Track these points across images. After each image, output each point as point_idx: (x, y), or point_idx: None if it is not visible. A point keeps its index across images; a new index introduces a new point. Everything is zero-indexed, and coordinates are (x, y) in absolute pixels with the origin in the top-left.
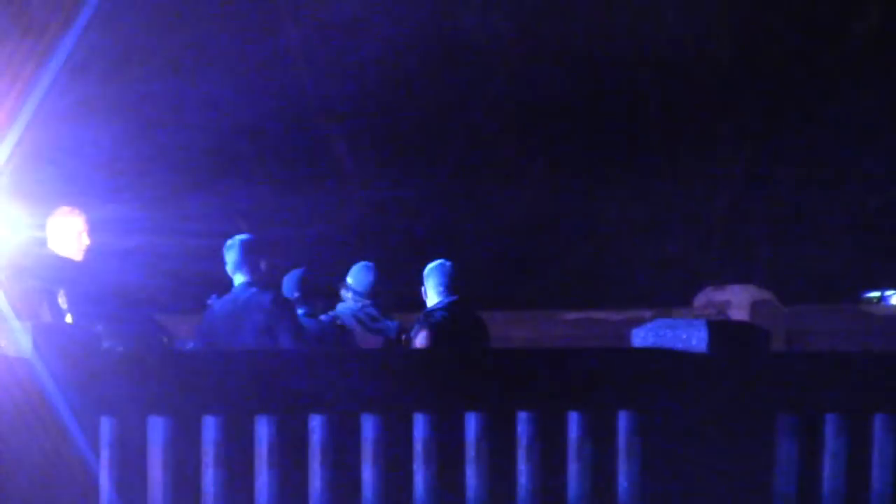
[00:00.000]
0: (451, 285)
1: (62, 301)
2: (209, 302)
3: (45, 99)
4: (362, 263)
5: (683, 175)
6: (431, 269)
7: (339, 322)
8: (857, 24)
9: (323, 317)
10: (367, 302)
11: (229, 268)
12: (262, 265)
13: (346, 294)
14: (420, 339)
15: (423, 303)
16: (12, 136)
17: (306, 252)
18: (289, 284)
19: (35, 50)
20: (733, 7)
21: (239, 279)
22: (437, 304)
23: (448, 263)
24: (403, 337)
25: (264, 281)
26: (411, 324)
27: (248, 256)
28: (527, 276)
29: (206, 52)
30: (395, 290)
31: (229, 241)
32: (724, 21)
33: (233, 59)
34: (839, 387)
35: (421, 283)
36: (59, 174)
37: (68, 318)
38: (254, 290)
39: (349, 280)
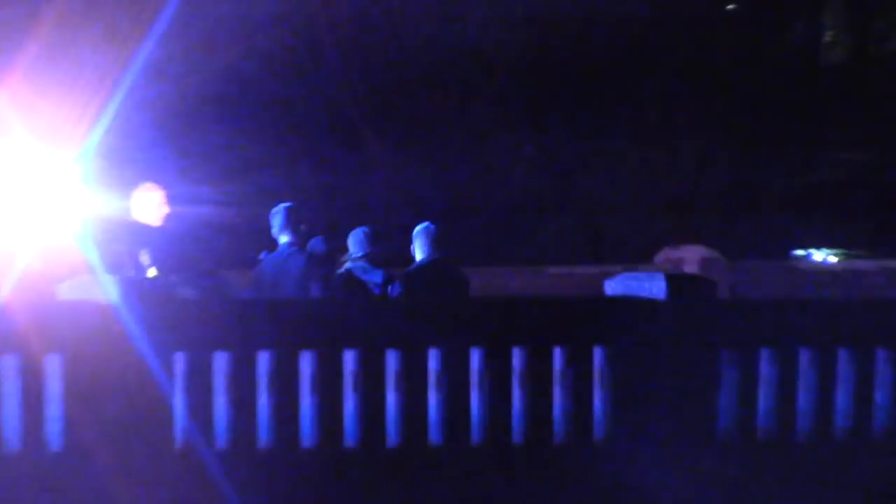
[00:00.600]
0: (434, 244)
1: (145, 259)
2: (261, 256)
3: (128, 96)
4: (357, 229)
5: (647, 154)
6: (418, 231)
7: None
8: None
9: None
10: (362, 259)
11: (275, 230)
12: (302, 227)
13: (347, 256)
14: (395, 290)
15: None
16: (101, 127)
17: (331, 215)
18: (355, 242)
19: (120, 54)
20: None
21: (283, 239)
22: (420, 260)
23: (432, 226)
24: (389, 287)
25: (303, 241)
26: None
27: (291, 221)
28: (517, 236)
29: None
30: (394, 249)
31: (275, 208)
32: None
33: (275, 49)
34: (771, 326)
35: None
36: (142, 157)
37: (151, 273)
38: (294, 249)
39: (348, 243)
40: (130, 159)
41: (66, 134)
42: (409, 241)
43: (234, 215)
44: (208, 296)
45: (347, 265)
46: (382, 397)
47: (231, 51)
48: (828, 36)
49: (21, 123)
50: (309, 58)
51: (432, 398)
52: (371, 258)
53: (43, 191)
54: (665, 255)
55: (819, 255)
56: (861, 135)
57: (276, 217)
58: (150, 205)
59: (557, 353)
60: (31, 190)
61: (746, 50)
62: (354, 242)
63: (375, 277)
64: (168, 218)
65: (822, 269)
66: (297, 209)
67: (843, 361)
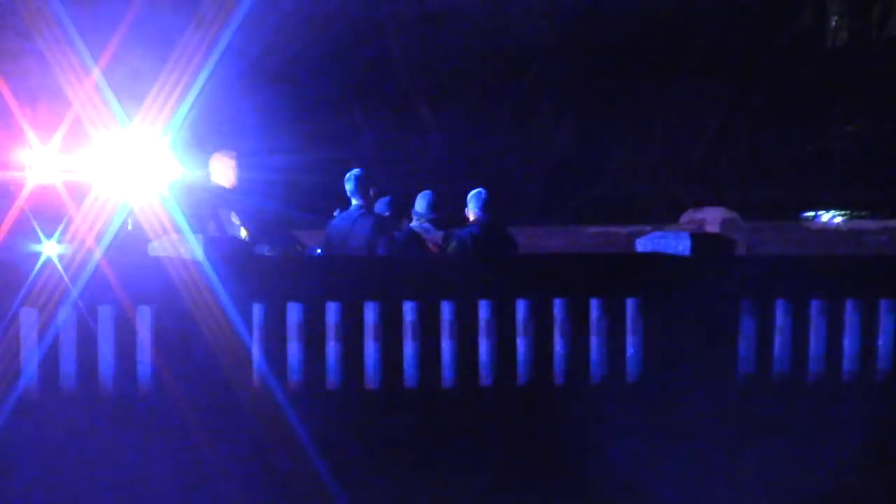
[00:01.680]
0: (486, 207)
1: (236, 220)
2: (334, 214)
3: (212, 74)
4: (425, 192)
5: (673, 127)
6: (471, 195)
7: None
8: None
9: (397, 234)
10: (427, 221)
11: (349, 193)
12: (371, 192)
13: (414, 216)
14: (450, 249)
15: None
16: (187, 102)
17: (395, 182)
18: (422, 204)
19: (204, 38)
20: None
21: (354, 202)
22: (473, 221)
23: (483, 191)
24: (447, 246)
25: (371, 204)
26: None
27: (361, 186)
28: (559, 199)
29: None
30: (452, 212)
31: (348, 174)
32: None
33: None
34: (785, 280)
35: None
36: (221, 128)
37: (243, 233)
38: (363, 212)
39: (415, 204)
40: (213, 130)
41: (156, 107)
42: (464, 205)
43: (304, 180)
44: (282, 253)
45: (412, 225)
46: (438, 344)
47: (302, 35)
48: (834, 21)
49: (114, 97)
50: (374, 42)
51: (483, 345)
52: (434, 220)
53: (135, 159)
54: (689, 216)
55: (827, 216)
56: (864, 109)
57: (349, 182)
58: (226, 169)
59: (594, 304)
60: (125, 158)
61: (763, 33)
62: (421, 205)
63: (436, 238)
64: (246, 182)
65: (830, 229)
66: (368, 176)
67: (850, 311)
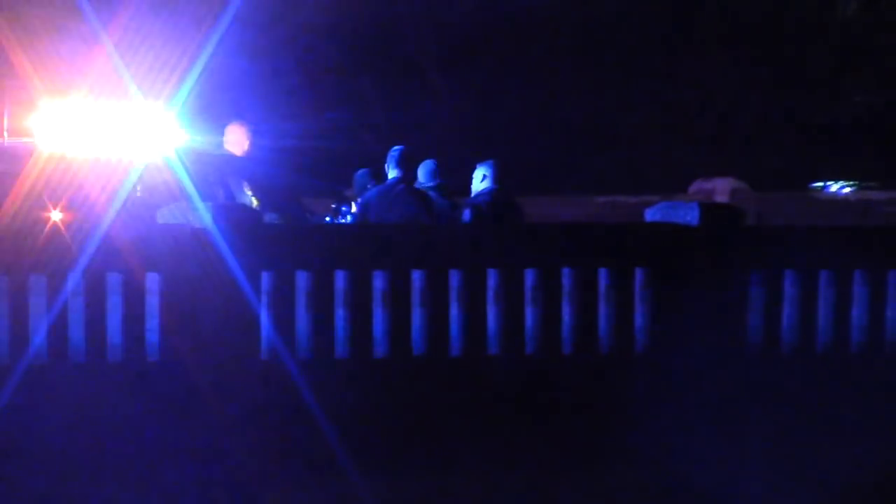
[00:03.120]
0: (494, 177)
1: (247, 189)
2: (368, 187)
3: (221, 43)
4: (427, 161)
5: (682, 98)
6: (481, 165)
7: None
8: None
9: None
10: (432, 189)
11: (387, 166)
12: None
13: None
14: (465, 217)
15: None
16: (196, 70)
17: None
18: (425, 173)
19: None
20: None
21: (392, 174)
22: (483, 190)
23: (492, 161)
24: (457, 214)
25: (409, 178)
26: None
27: (402, 161)
28: (568, 169)
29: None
30: (459, 182)
31: (392, 150)
32: None
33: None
34: (793, 251)
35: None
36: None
37: (254, 202)
38: (402, 186)
39: (418, 173)
40: (222, 99)
41: (165, 76)
42: (470, 172)
43: (314, 148)
44: (291, 220)
45: None
46: (446, 312)
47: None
48: None
49: (122, 64)
50: (384, 8)
51: (491, 313)
52: (439, 188)
53: (143, 126)
54: (698, 186)
55: (836, 187)
56: (873, 80)
57: (391, 159)
58: (238, 139)
59: (603, 273)
60: (133, 125)
61: (773, 3)
62: (424, 173)
63: (444, 206)
64: (256, 150)
65: (839, 200)
66: (408, 151)
67: (858, 282)
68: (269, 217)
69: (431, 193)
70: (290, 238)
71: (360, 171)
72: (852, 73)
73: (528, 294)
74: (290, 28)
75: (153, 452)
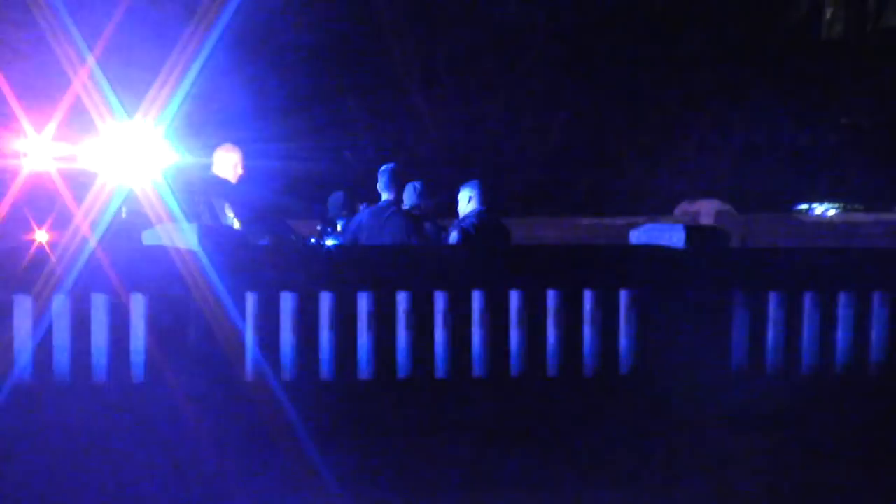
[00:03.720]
0: (481, 199)
1: (230, 213)
2: (360, 208)
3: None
4: (409, 183)
5: (668, 120)
6: (468, 187)
7: None
8: None
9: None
10: (414, 209)
11: (379, 186)
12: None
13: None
14: (452, 238)
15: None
16: (183, 91)
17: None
18: (408, 194)
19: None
20: None
21: (385, 196)
22: (470, 212)
23: (477, 181)
24: (442, 235)
25: (400, 198)
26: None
27: (394, 181)
28: (552, 191)
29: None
30: (444, 202)
31: (382, 168)
32: None
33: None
34: (778, 272)
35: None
36: (221, 118)
37: (237, 224)
38: (394, 208)
39: (404, 196)
40: (209, 120)
41: (151, 95)
42: (456, 194)
43: (300, 170)
44: (276, 242)
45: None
46: (431, 334)
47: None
48: (829, 12)
49: (109, 85)
50: (369, 30)
51: (476, 335)
52: (421, 209)
53: (129, 147)
54: (683, 208)
55: (821, 209)
56: (859, 101)
57: (382, 176)
58: (229, 163)
59: (588, 295)
60: (120, 146)
61: (758, 24)
62: (407, 195)
63: (431, 228)
64: (243, 174)
65: (823, 222)
66: (400, 170)
67: (843, 304)
68: (254, 238)
69: (416, 213)
70: (275, 259)
71: (335, 194)
72: (838, 93)
73: (512, 316)
74: (276, 48)
75: (137, 473)
